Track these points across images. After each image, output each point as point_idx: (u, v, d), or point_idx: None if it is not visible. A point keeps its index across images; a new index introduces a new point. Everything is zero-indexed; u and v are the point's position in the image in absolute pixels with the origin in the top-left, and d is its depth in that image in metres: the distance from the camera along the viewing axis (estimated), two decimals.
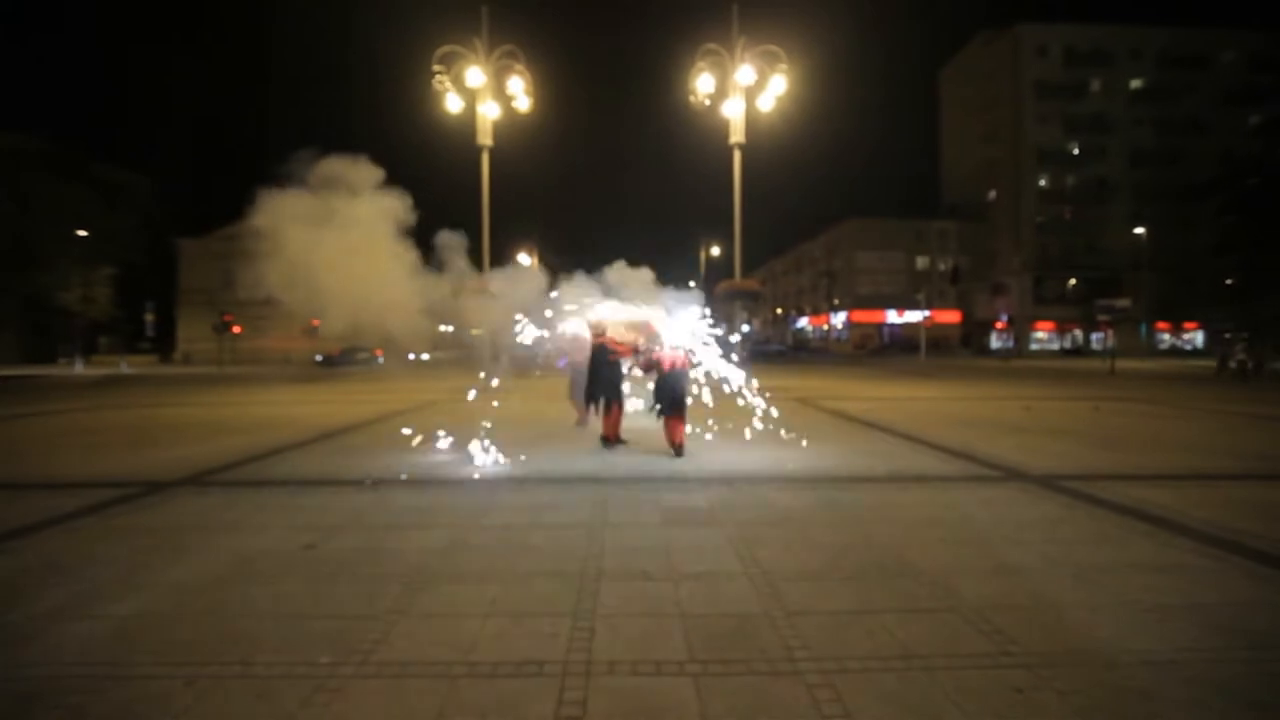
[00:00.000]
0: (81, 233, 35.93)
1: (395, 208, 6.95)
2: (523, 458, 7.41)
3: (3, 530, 4.73)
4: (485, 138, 15.23)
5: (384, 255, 6.89)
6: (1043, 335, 52.65)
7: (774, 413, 9.02)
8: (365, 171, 6.85)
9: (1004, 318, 47.61)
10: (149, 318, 44.79)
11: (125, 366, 35.00)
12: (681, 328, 7.96)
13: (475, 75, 14.51)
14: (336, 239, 6.46)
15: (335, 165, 6.66)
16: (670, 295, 8.26)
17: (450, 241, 7.50)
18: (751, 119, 16.18)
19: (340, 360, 35.94)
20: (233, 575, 3.84)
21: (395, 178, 7.06)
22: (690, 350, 7.84)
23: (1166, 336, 50.38)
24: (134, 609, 3.37)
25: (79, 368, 33.95)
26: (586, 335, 8.52)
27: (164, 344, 48.19)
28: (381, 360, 35.85)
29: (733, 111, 16.07)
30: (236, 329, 36.99)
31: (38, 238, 34.52)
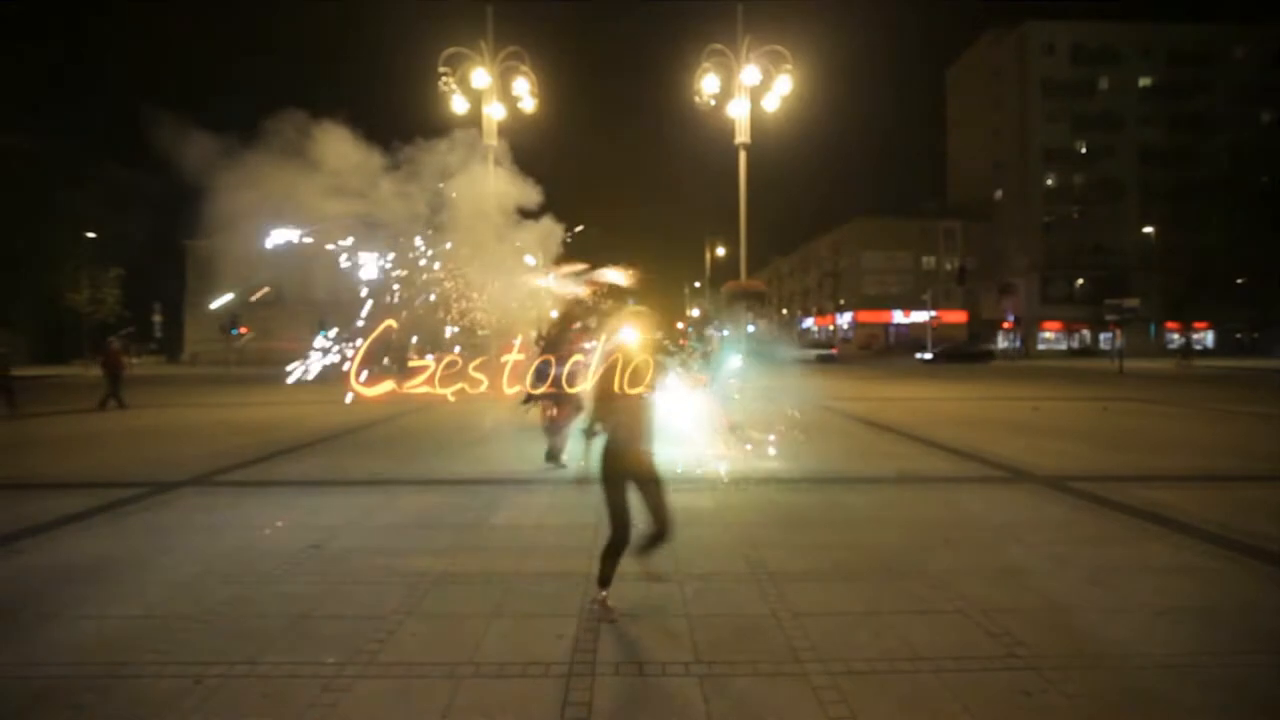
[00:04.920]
0: (90, 234, 36.16)
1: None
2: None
3: (15, 529, 4.77)
4: (491, 139, 15.24)
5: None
6: (1050, 335, 52.27)
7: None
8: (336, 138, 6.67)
9: (1011, 318, 47.31)
10: (157, 319, 44.97)
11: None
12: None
13: (481, 77, 14.53)
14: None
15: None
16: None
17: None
18: (757, 119, 16.12)
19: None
20: (239, 575, 3.86)
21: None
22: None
23: (1176, 336, 49.91)
24: (142, 608, 3.39)
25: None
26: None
27: (172, 345, 48.44)
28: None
29: (738, 112, 16.04)
30: (244, 330, 37.08)
31: (48, 239, 34.76)
